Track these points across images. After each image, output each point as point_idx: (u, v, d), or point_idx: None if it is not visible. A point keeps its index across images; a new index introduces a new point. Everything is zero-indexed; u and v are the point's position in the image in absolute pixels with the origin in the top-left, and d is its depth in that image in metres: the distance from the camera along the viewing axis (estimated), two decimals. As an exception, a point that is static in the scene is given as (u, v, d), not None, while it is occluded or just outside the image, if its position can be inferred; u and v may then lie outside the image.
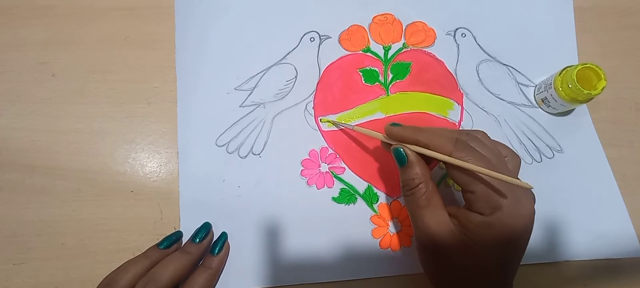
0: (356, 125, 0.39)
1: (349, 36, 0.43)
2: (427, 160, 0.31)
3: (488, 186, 0.28)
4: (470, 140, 0.30)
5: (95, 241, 0.36)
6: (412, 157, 0.30)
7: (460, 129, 0.31)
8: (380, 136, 0.34)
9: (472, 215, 0.28)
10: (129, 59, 0.41)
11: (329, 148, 0.39)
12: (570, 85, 0.37)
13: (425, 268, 0.32)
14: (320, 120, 0.40)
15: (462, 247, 0.28)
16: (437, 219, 0.29)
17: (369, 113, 0.40)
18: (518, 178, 0.28)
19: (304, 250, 0.36)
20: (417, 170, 0.30)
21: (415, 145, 0.30)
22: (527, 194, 0.29)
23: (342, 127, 0.40)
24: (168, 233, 0.35)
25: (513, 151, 0.32)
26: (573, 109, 0.42)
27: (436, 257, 0.30)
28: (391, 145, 0.32)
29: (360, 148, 0.39)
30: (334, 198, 0.38)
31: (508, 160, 0.31)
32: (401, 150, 0.31)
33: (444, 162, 0.29)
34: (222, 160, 0.38)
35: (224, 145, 0.39)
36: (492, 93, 0.42)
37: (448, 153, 0.29)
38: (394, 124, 0.32)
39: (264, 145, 0.39)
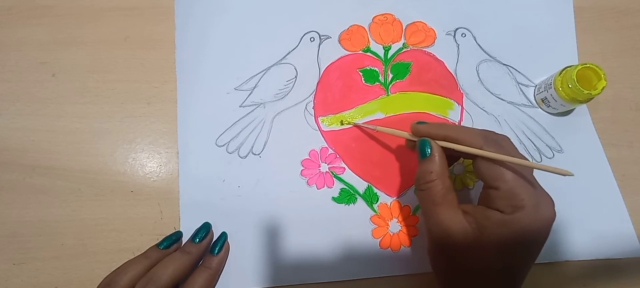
0: (372, 123, 0.38)
1: (349, 36, 0.43)
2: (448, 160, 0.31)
3: (514, 184, 0.28)
4: (501, 140, 0.30)
5: (95, 241, 0.36)
6: (436, 150, 0.30)
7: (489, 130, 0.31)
8: (406, 135, 0.34)
9: (491, 213, 0.28)
10: (129, 59, 0.41)
11: (329, 148, 0.39)
12: (570, 85, 0.37)
13: (434, 267, 0.32)
14: (342, 121, 0.40)
15: (476, 247, 0.28)
16: (452, 217, 0.29)
17: (369, 113, 0.40)
18: (556, 168, 0.27)
19: (304, 250, 0.36)
20: (437, 165, 0.30)
21: (444, 140, 0.30)
22: (548, 200, 0.29)
23: (365, 128, 0.39)
24: (168, 233, 0.35)
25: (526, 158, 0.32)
26: (573, 109, 0.42)
27: (447, 256, 0.30)
28: (415, 143, 0.32)
29: (360, 149, 0.39)
30: (334, 198, 0.38)
31: None
32: (427, 141, 0.31)
33: (473, 156, 0.29)
34: (222, 160, 0.38)
35: (224, 145, 0.39)
36: (492, 93, 0.42)
37: (479, 145, 0.29)
38: (420, 122, 0.32)
39: (264, 145, 0.39)
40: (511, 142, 0.31)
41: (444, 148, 0.31)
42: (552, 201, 0.29)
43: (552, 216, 0.29)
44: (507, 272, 0.29)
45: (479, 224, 0.28)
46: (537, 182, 0.29)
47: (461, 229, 0.28)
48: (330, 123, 0.40)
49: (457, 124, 0.41)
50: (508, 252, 0.28)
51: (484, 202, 0.29)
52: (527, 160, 0.28)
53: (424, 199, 0.30)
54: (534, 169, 0.29)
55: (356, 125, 0.40)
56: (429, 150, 0.30)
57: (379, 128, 0.37)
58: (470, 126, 0.40)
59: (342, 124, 0.40)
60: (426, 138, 0.31)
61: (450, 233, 0.29)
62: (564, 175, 0.26)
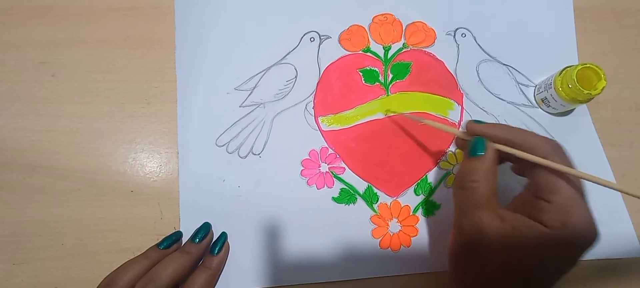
0: (427, 120, 0.38)
1: (349, 36, 0.43)
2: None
3: (569, 201, 0.26)
4: (564, 152, 0.28)
5: (95, 241, 0.36)
6: (491, 151, 0.29)
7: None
8: (458, 132, 0.32)
9: (534, 225, 0.27)
10: (129, 59, 0.41)
11: (329, 148, 0.39)
12: (570, 85, 0.37)
13: (456, 268, 0.31)
14: (387, 110, 0.39)
15: (511, 255, 0.27)
16: (491, 222, 0.27)
17: (369, 113, 0.40)
18: (631, 192, 0.26)
19: (304, 250, 0.36)
20: (488, 165, 0.28)
21: (505, 144, 0.29)
22: (594, 222, 0.27)
23: (414, 120, 0.39)
24: (168, 233, 0.35)
25: None
26: (573, 109, 0.42)
27: (475, 260, 0.28)
28: (466, 142, 0.30)
29: (360, 149, 0.39)
30: (334, 198, 0.38)
31: None
32: (482, 141, 0.29)
33: (532, 164, 0.28)
34: (222, 160, 0.38)
35: (224, 145, 0.39)
36: (492, 93, 0.42)
37: (545, 153, 0.27)
38: (477, 121, 0.31)
39: (264, 145, 0.39)
40: (565, 151, 0.29)
41: (501, 153, 0.29)
42: (597, 228, 0.28)
43: (596, 239, 0.27)
44: (534, 284, 0.27)
45: (517, 232, 0.27)
46: (588, 203, 0.28)
47: (499, 235, 0.27)
48: (330, 123, 0.40)
49: (456, 124, 0.40)
50: (542, 267, 0.27)
51: (527, 212, 0.28)
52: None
53: (464, 199, 0.29)
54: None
55: (404, 116, 0.39)
56: (483, 149, 0.29)
57: (427, 121, 0.37)
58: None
59: (386, 113, 0.40)
60: (482, 137, 0.29)
61: (486, 237, 0.27)
62: (620, 191, 0.25)
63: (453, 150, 0.39)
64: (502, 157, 0.30)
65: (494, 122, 0.41)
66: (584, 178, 0.27)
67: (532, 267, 0.27)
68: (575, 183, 0.27)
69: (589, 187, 0.39)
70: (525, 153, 0.28)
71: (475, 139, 0.30)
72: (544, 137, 0.29)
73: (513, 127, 0.30)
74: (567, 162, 0.28)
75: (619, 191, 0.26)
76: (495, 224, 0.27)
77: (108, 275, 0.31)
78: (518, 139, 0.28)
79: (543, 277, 0.27)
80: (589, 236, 0.27)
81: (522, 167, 0.30)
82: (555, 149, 0.28)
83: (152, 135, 0.39)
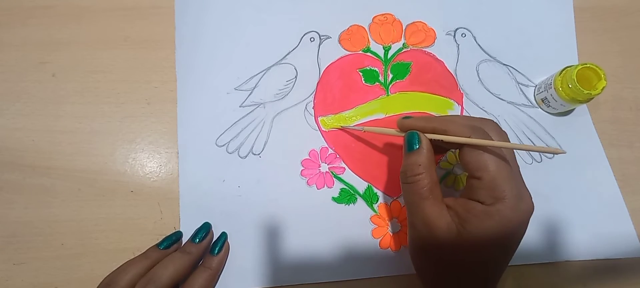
0: (359, 125, 0.39)
1: (349, 36, 0.43)
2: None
3: (496, 175, 0.28)
4: (490, 130, 0.30)
5: (95, 241, 0.36)
6: (424, 142, 0.30)
7: (475, 117, 0.32)
8: (393, 132, 0.34)
9: (472, 204, 0.28)
10: (129, 59, 0.41)
11: (329, 148, 0.39)
12: (570, 85, 0.37)
13: (416, 264, 0.32)
14: (321, 121, 0.40)
15: (458, 240, 0.28)
16: (437, 212, 0.29)
17: (369, 113, 0.40)
18: (546, 147, 0.28)
19: (304, 250, 0.36)
20: (425, 157, 0.30)
21: (432, 132, 0.30)
22: (528, 194, 0.29)
23: (350, 129, 0.40)
24: (168, 233, 0.35)
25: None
26: (573, 109, 0.42)
27: (430, 252, 0.30)
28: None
29: (360, 149, 0.39)
30: (334, 198, 0.38)
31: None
32: (416, 133, 0.31)
33: (460, 146, 0.29)
34: (222, 160, 0.38)
35: (224, 145, 0.39)
36: (492, 93, 0.42)
37: (466, 136, 0.29)
38: (406, 117, 0.33)
39: (264, 145, 0.39)
40: (498, 126, 0.31)
41: (432, 141, 0.31)
42: (530, 197, 0.29)
43: (531, 209, 0.29)
44: (486, 265, 0.29)
45: (460, 217, 0.29)
46: (520, 176, 0.29)
47: (445, 224, 0.29)
48: (330, 123, 0.40)
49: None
50: (488, 244, 0.28)
51: (467, 194, 0.29)
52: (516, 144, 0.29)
53: (410, 193, 0.30)
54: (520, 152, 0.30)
55: (343, 129, 0.40)
56: (417, 142, 0.30)
57: (366, 128, 0.37)
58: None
59: (327, 126, 0.40)
60: (414, 131, 0.31)
61: (434, 228, 0.29)
62: (555, 153, 0.27)
63: (453, 150, 0.39)
64: (438, 149, 0.32)
65: (491, 118, 0.41)
66: (496, 147, 0.28)
67: (478, 246, 0.28)
68: (502, 158, 0.28)
69: (590, 188, 0.40)
70: (450, 136, 0.29)
71: (408, 134, 0.31)
72: (463, 119, 0.31)
73: (435, 117, 0.32)
74: (488, 137, 0.29)
75: (525, 149, 0.28)
76: (441, 213, 0.29)
77: (108, 275, 0.31)
78: (440, 126, 0.30)
79: (492, 255, 0.29)
80: (524, 205, 0.28)
81: (456, 151, 0.32)
82: (474, 129, 0.29)
83: (152, 135, 0.39)
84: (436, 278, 0.31)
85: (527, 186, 0.30)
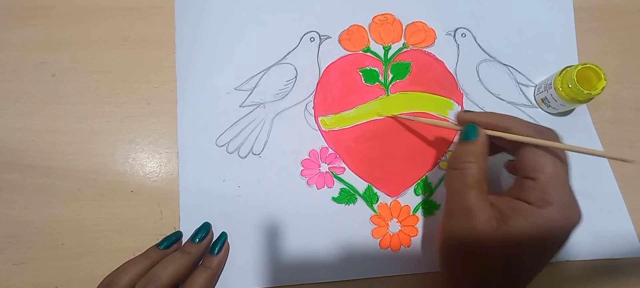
0: (408, 114, 0.39)
1: (349, 36, 0.43)
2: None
3: (551, 178, 0.27)
4: (551, 133, 0.30)
5: (95, 241, 0.36)
6: (482, 135, 0.30)
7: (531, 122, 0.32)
8: (450, 125, 0.34)
9: (519, 204, 0.28)
10: (129, 59, 0.41)
11: (329, 148, 0.39)
12: (570, 85, 0.37)
13: (443, 252, 0.31)
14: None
15: (496, 234, 0.27)
16: (480, 204, 0.28)
17: (369, 113, 0.40)
18: (613, 154, 0.27)
19: (304, 250, 0.36)
20: (479, 149, 0.29)
21: (492, 129, 0.30)
22: (577, 204, 0.28)
23: (408, 119, 0.39)
24: (168, 233, 0.35)
25: None
26: (573, 109, 0.42)
27: (463, 241, 0.29)
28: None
29: (360, 149, 0.39)
30: (334, 198, 0.38)
31: None
32: (475, 126, 0.30)
33: (519, 145, 0.29)
34: (222, 160, 0.38)
35: (224, 145, 0.39)
36: (492, 93, 0.42)
37: (530, 135, 0.29)
38: (466, 111, 0.32)
39: (264, 145, 0.39)
40: (558, 137, 0.30)
41: (491, 138, 0.30)
42: (580, 208, 0.29)
43: (578, 220, 0.28)
44: (519, 266, 0.28)
45: (503, 213, 0.28)
46: (571, 186, 0.29)
47: (486, 216, 0.28)
48: (330, 123, 0.40)
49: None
50: (527, 244, 0.27)
51: (514, 193, 0.29)
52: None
53: (456, 179, 0.30)
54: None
55: (394, 117, 0.40)
56: (475, 134, 0.30)
57: (418, 119, 0.38)
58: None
59: (378, 115, 0.40)
60: (474, 124, 0.31)
61: (474, 218, 0.28)
62: (625, 161, 0.27)
63: (453, 150, 0.39)
64: (493, 147, 0.31)
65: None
66: (568, 149, 0.28)
67: (516, 247, 0.27)
68: (559, 162, 0.28)
69: (590, 188, 0.40)
70: (512, 135, 0.29)
71: (467, 125, 0.31)
72: (526, 121, 0.30)
73: (500, 114, 0.31)
74: (553, 141, 0.29)
75: (605, 157, 0.28)
76: (484, 206, 0.28)
77: (108, 275, 0.31)
78: (503, 124, 0.30)
79: (528, 258, 0.28)
80: (571, 214, 0.28)
81: (512, 150, 0.31)
82: (538, 131, 0.29)
83: (152, 135, 0.39)
84: (463, 272, 0.30)
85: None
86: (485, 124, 0.31)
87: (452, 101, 0.41)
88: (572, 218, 0.28)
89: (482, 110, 0.41)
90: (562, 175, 0.28)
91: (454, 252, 0.31)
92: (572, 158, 0.40)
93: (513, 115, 0.40)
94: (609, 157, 0.27)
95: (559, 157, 0.29)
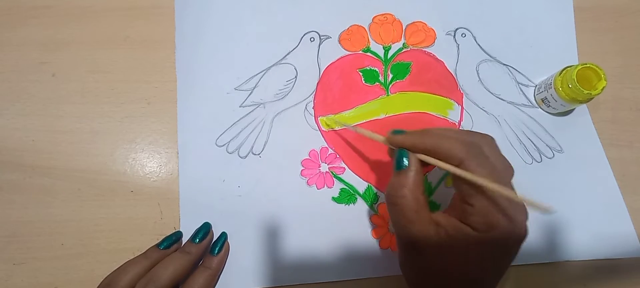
0: (357, 125, 0.39)
1: (349, 36, 0.43)
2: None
3: (489, 202, 0.26)
4: (486, 146, 0.28)
5: (95, 241, 0.36)
6: (413, 163, 0.29)
7: (472, 131, 0.30)
8: (383, 139, 0.32)
9: (465, 228, 0.27)
10: (129, 59, 0.41)
11: (329, 148, 0.39)
12: (570, 85, 0.37)
13: (405, 276, 0.31)
14: (320, 120, 0.40)
15: (448, 259, 0.28)
16: (424, 232, 0.28)
17: (369, 113, 0.40)
18: (535, 201, 0.26)
19: (304, 250, 0.36)
20: (411, 180, 0.28)
21: (422, 152, 0.29)
22: (522, 217, 0.27)
23: (345, 127, 0.40)
24: (168, 234, 0.35)
25: (508, 162, 0.30)
26: (573, 109, 0.42)
27: (419, 267, 0.29)
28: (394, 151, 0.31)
29: (360, 148, 0.39)
30: (334, 198, 0.38)
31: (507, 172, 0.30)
32: (406, 153, 0.29)
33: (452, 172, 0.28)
34: (222, 160, 0.38)
35: (224, 145, 0.39)
36: (492, 93, 0.42)
37: (459, 159, 0.27)
38: (397, 132, 0.30)
39: (264, 145, 0.39)
40: (495, 145, 0.29)
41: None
42: (526, 215, 0.28)
43: (524, 234, 0.27)
44: (477, 282, 0.28)
45: (451, 238, 0.27)
46: (515, 195, 0.27)
47: (434, 243, 0.28)
48: (330, 123, 0.40)
49: (456, 124, 0.41)
50: (478, 267, 0.27)
51: (459, 215, 0.28)
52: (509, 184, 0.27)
53: (394, 214, 0.29)
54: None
55: (336, 123, 0.39)
56: (406, 163, 0.29)
57: (358, 129, 0.37)
58: (470, 126, 0.40)
59: (327, 126, 0.40)
60: (404, 149, 0.29)
61: (423, 246, 0.28)
62: (545, 212, 0.25)
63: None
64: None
65: (494, 121, 0.41)
66: (490, 189, 0.26)
67: (468, 269, 0.27)
68: (496, 177, 0.27)
69: (590, 188, 0.40)
70: (440, 162, 0.28)
71: (398, 152, 0.30)
72: (460, 137, 0.28)
73: (430, 133, 0.29)
74: (490, 160, 0.27)
75: (516, 199, 0.26)
76: (429, 234, 0.28)
77: (108, 275, 0.31)
78: (433, 147, 0.28)
79: (482, 276, 0.28)
80: (517, 231, 0.27)
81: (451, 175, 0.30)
82: (471, 151, 0.27)
83: (152, 135, 0.39)
84: (421, 285, 0.30)
85: (525, 191, 0.29)
86: (415, 147, 0.29)
87: (452, 101, 0.41)
88: (518, 233, 0.27)
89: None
90: (500, 196, 0.26)
91: (413, 275, 0.31)
92: (572, 158, 0.40)
93: (511, 114, 0.41)
94: (529, 204, 0.26)
95: (496, 168, 0.27)
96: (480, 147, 0.28)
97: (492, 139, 0.30)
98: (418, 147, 0.29)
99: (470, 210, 0.27)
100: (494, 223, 0.26)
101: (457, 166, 0.27)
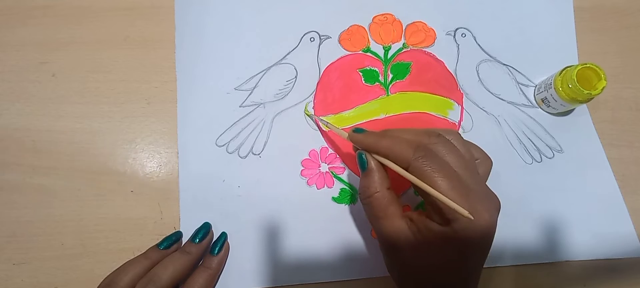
0: (358, 126, 0.39)
1: (349, 36, 0.43)
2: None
3: (440, 198, 0.26)
4: (438, 144, 0.28)
5: (95, 241, 0.36)
6: (372, 164, 0.30)
7: (433, 129, 0.30)
8: (346, 136, 0.32)
9: (431, 224, 0.28)
10: (129, 59, 0.41)
11: (329, 148, 0.39)
12: (570, 85, 0.37)
13: (387, 267, 0.33)
14: (305, 112, 0.40)
15: (422, 251, 0.28)
16: (396, 228, 0.29)
17: (369, 113, 0.40)
18: (457, 205, 0.26)
19: (304, 250, 0.36)
20: (375, 180, 0.30)
21: (378, 154, 0.30)
22: (486, 206, 0.27)
23: (322, 124, 0.39)
24: (168, 234, 0.35)
25: (486, 154, 0.31)
26: (573, 109, 0.42)
27: (397, 259, 0.31)
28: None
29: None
30: (334, 198, 0.38)
31: (479, 163, 0.30)
32: (363, 156, 0.30)
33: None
34: (222, 160, 0.38)
35: (224, 145, 0.39)
36: (492, 93, 0.42)
37: (407, 161, 0.27)
38: (357, 130, 0.31)
39: (264, 145, 0.39)
40: (460, 137, 0.30)
41: None
42: (495, 204, 0.28)
43: (489, 221, 0.27)
44: (456, 270, 0.29)
45: (420, 233, 0.28)
46: (477, 186, 0.28)
47: (405, 238, 0.29)
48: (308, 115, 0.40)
49: (456, 124, 0.41)
50: (453, 258, 0.28)
51: (426, 212, 0.29)
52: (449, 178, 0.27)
53: (369, 212, 0.31)
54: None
55: (311, 118, 0.40)
56: (366, 164, 0.30)
57: (331, 127, 0.36)
58: (470, 126, 0.40)
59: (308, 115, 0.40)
60: (362, 152, 0.31)
61: (396, 242, 0.29)
62: (464, 216, 0.26)
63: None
64: None
65: (494, 121, 0.41)
66: (424, 189, 0.27)
67: (440, 264, 0.28)
68: (448, 177, 0.27)
69: (590, 188, 0.40)
70: (393, 164, 0.29)
71: (358, 155, 0.31)
72: (411, 137, 0.29)
73: (385, 134, 0.30)
74: (433, 159, 0.27)
75: (439, 200, 0.26)
76: (401, 229, 0.29)
77: (108, 276, 0.31)
78: (387, 148, 0.29)
79: (459, 265, 0.28)
80: (480, 221, 0.27)
81: None
82: (417, 152, 0.27)
83: (152, 135, 0.39)
84: (408, 280, 0.31)
85: (492, 190, 0.29)
86: (371, 148, 0.30)
87: (452, 101, 0.41)
88: (481, 223, 0.27)
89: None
90: (453, 189, 0.26)
91: (394, 268, 0.32)
92: (572, 158, 0.40)
93: (511, 114, 0.41)
94: (451, 207, 0.26)
95: (446, 166, 0.27)
96: (432, 146, 0.28)
97: (455, 134, 0.30)
98: (373, 148, 0.30)
99: (430, 208, 0.28)
100: (450, 218, 0.27)
101: (406, 168, 0.28)
